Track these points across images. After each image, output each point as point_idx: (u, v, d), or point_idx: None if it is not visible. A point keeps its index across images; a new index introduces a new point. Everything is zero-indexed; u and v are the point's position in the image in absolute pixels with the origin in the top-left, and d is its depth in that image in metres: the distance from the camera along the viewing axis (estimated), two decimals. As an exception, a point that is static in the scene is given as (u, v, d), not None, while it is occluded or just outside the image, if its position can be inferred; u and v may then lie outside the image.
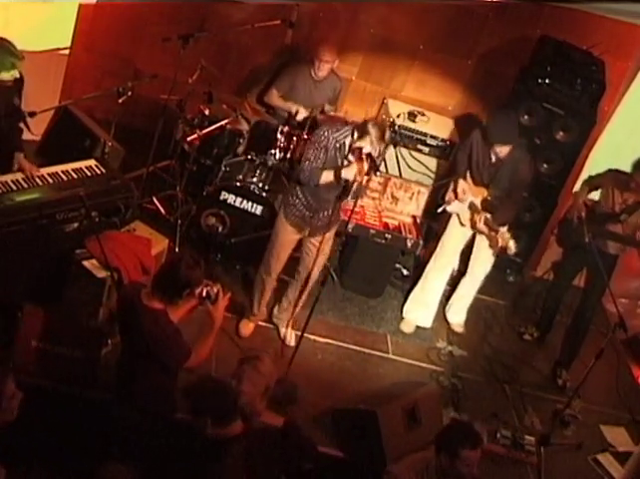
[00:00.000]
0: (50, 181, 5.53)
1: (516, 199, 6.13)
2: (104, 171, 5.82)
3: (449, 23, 7.34)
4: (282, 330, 5.96)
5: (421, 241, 6.59)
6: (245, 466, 3.70)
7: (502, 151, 5.89)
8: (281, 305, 5.94)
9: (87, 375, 5.01)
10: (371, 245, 6.50)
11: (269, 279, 5.73)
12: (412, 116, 7.28)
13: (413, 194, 6.75)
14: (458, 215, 6.25)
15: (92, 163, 5.84)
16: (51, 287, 5.28)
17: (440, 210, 6.35)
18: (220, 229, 6.29)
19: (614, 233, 6.11)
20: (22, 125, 5.61)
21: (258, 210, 6.26)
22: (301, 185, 5.37)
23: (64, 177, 5.61)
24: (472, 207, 6.16)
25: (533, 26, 7.26)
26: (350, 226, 6.09)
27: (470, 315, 6.69)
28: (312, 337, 5.99)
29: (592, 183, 6.29)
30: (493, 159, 6.00)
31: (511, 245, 5.92)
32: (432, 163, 7.27)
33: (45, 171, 5.57)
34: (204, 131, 6.38)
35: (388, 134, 5.27)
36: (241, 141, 6.62)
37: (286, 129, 6.47)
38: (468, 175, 6.18)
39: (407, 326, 6.51)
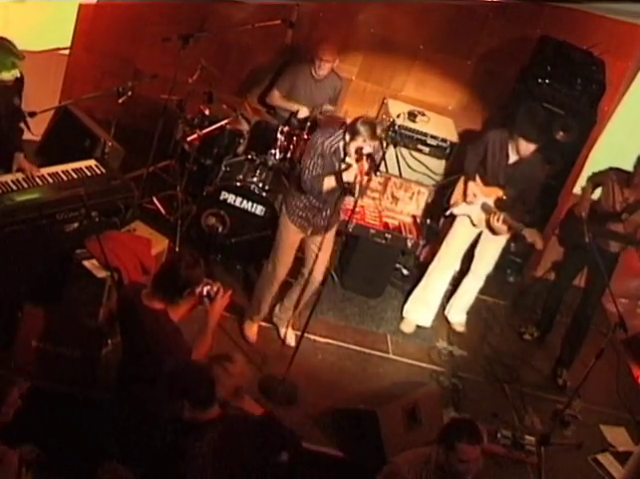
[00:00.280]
0: (50, 181, 5.52)
1: (530, 198, 6.14)
2: (104, 171, 5.82)
3: (449, 23, 7.34)
4: (282, 330, 5.95)
5: (421, 241, 6.60)
6: (221, 451, 3.70)
7: (529, 149, 5.89)
8: (283, 305, 5.93)
9: (87, 375, 5.01)
10: (371, 245, 6.50)
11: (275, 283, 5.72)
12: (412, 116, 7.29)
13: (413, 193, 6.75)
14: (469, 216, 6.24)
15: (92, 163, 5.84)
16: (51, 287, 5.28)
17: (447, 213, 6.36)
18: (221, 229, 6.29)
19: (615, 232, 6.10)
20: (22, 125, 5.60)
21: (258, 209, 6.26)
22: (304, 192, 5.38)
23: (64, 177, 5.61)
24: (485, 207, 6.16)
25: (533, 26, 7.26)
26: (350, 225, 6.08)
27: (470, 315, 6.69)
28: (312, 337, 5.99)
29: (595, 180, 6.29)
30: (512, 159, 6.00)
31: (539, 240, 5.94)
32: (432, 163, 7.28)
33: (45, 171, 5.57)
34: (204, 131, 6.38)
35: (379, 131, 5.22)
36: (241, 141, 6.62)
37: (286, 129, 6.48)
38: (476, 176, 6.19)
39: (407, 326, 6.52)
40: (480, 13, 7.30)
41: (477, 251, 6.42)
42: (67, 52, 6.84)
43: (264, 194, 6.24)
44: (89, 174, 5.75)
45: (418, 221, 6.73)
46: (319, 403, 5.54)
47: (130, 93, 5.99)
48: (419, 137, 7.21)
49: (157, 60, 6.78)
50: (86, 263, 5.23)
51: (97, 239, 4.98)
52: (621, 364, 6.56)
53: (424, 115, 7.37)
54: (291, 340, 5.88)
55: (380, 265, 6.66)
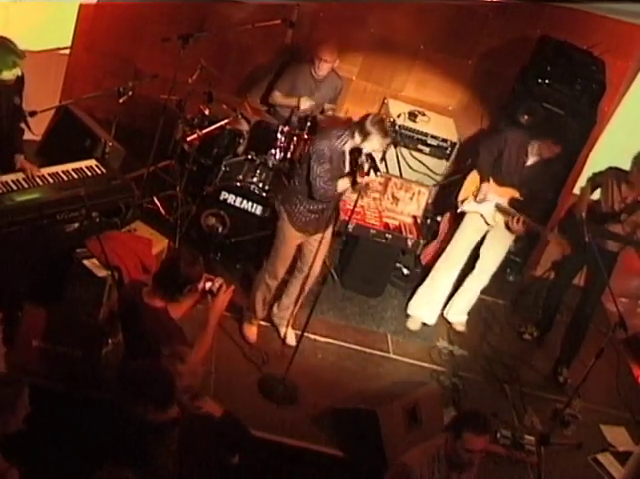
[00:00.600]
0: (50, 180, 5.53)
1: (544, 199, 6.17)
2: (104, 170, 5.82)
3: (449, 23, 7.34)
4: (282, 330, 5.95)
5: (421, 241, 6.60)
6: (182, 451, 3.69)
7: (554, 151, 5.91)
8: (282, 304, 5.92)
9: (87, 375, 5.01)
10: (371, 245, 6.50)
11: (275, 284, 5.72)
12: (412, 115, 7.29)
13: (413, 193, 6.76)
14: (482, 214, 6.25)
15: (92, 162, 5.85)
16: (51, 287, 5.28)
17: (458, 210, 6.37)
18: (221, 228, 6.29)
19: (614, 232, 6.10)
20: (23, 125, 5.60)
21: (259, 209, 6.26)
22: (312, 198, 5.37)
23: (64, 176, 5.61)
24: (500, 207, 6.17)
25: (534, 26, 7.26)
26: (350, 225, 6.09)
27: (470, 315, 6.69)
28: (312, 337, 5.99)
29: (595, 180, 6.29)
30: (532, 160, 6.01)
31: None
32: (432, 162, 7.27)
33: (45, 170, 5.57)
34: (205, 130, 6.38)
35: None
36: (242, 140, 6.62)
37: (286, 128, 6.47)
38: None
39: (412, 324, 6.52)
40: (481, 13, 7.29)
41: (482, 251, 6.42)
42: (67, 52, 6.84)
43: (264, 194, 6.24)
44: (89, 173, 5.75)
45: (418, 220, 6.73)
46: (319, 403, 5.54)
47: (130, 93, 5.99)
48: (419, 137, 7.21)
49: (157, 60, 6.77)
50: (86, 263, 5.23)
51: (97, 239, 4.99)
52: (621, 364, 6.55)
53: (424, 115, 7.37)
54: (291, 340, 5.88)
55: (380, 265, 6.66)
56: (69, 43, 6.81)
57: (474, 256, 6.48)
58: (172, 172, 6.76)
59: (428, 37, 7.39)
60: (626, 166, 6.11)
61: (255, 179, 6.29)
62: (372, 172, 5.12)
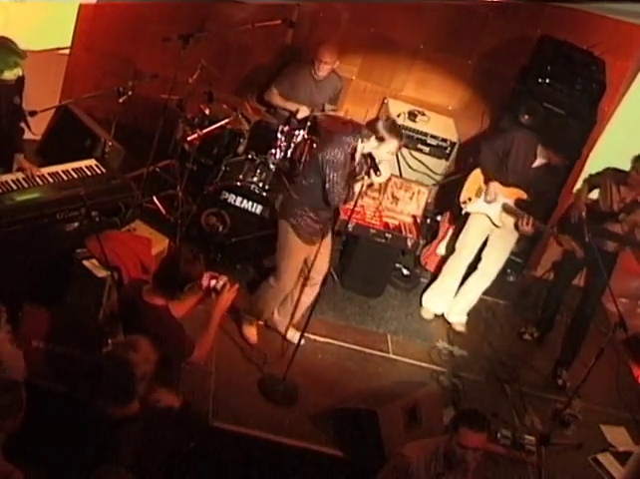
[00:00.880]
0: (50, 180, 5.53)
1: (549, 200, 6.18)
2: (104, 170, 5.83)
3: (449, 23, 7.34)
4: (282, 329, 5.94)
5: (421, 241, 6.61)
6: (142, 446, 3.68)
7: (561, 159, 5.98)
8: (285, 309, 5.88)
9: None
10: (371, 245, 6.50)
11: (282, 295, 5.69)
12: (412, 115, 7.29)
13: (413, 193, 6.76)
14: (488, 215, 6.27)
15: (92, 162, 5.85)
16: (51, 287, 5.28)
17: (463, 211, 6.41)
18: (221, 228, 6.29)
19: (613, 232, 6.10)
20: (23, 125, 5.61)
21: (259, 209, 6.26)
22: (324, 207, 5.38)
23: (64, 176, 5.61)
24: (506, 208, 6.19)
25: (534, 26, 7.26)
26: (350, 225, 6.09)
27: (470, 315, 6.70)
28: (312, 337, 5.99)
29: (592, 181, 6.30)
30: (538, 162, 6.03)
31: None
32: (432, 162, 7.27)
33: (45, 170, 5.57)
34: (205, 130, 6.38)
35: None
36: (242, 140, 6.62)
37: (286, 128, 6.47)
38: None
39: (426, 313, 6.67)
40: (481, 13, 7.30)
41: (485, 253, 6.44)
42: (67, 52, 6.85)
43: (264, 193, 6.24)
44: (89, 173, 5.75)
45: (418, 220, 6.74)
46: (319, 403, 5.53)
47: (130, 92, 5.99)
48: (419, 136, 7.20)
49: (157, 60, 6.78)
50: (86, 263, 5.23)
51: (97, 239, 4.98)
52: (621, 364, 6.56)
53: (424, 114, 7.37)
54: (292, 336, 5.84)
55: (380, 265, 6.66)
56: (69, 43, 6.82)
57: (476, 257, 6.50)
58: (173, 172, 6.76)
59: (428, 37, 7.39)
60: (626, 166, 6.11)
61: (255, 179, 6.29)
62: (372, 172, 5.14)
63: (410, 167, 7.21)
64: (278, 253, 5.58)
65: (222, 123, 6.45)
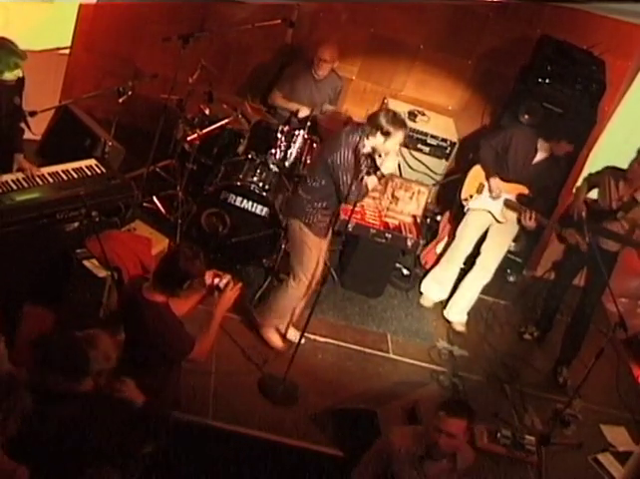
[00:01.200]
0: (50, 180, 5.53)
1: (550, 195, 6.19)
2: (104, 170, 5.83)
3: (449, 23, 7.35)
4: (282, 328, 5.93)
5: (421, 241, 6.61)
6: (83, 425, 3.61)
7: (564, 148, 5.96)
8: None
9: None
10: (371, 245, 6.50)
11: (304, 293, 5.67)
12: (412, 115, 7.29)
13: (413, 193, 6.76)
14: (490, 212, 6.29)
15: (92, 162, 5.85)
16: (51, 287, 5.28)
17: (465, 209, 6.43)
18: (221, 228, 6.29)
19: (612, 231, 6.10)
20: (23, 125, 5.61)
21: (259, 209, 6.26)
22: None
23: (64, 176, 5.61)
24: (508, 204, 6.19)
25: (534, 26, 7.27)
26: (350, 225, 6.09)
27: (470, 315, 6.70)
28: (312, 337, 5.99)
29: (591, 180, 6.30)
30: (539, 157, 6.04)
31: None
32: (432, 162, 7.28)
33: (45, 170, 5.57)
34: (205, 130, 6.38)
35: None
36: (242, 140, 6.62)
37: (286, 128, 6.47)
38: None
39: (426, 301, 6.72)
40: (481, 13, 7.30)
41: (484, 247, 6.46)
42: (67, 52, 6.85)
43: (264, 193, 6.24)
44: (89, 173, 5.75)
45: (418, 220, 6.74)
46: (319, 403, 5.53)
47: (130, 92, 6.00)
48: (419, 136, 7.21)
49: (157, 60, 6.78)
50: (86, 263, 5.23)
51: (97, 239, 4.98)
52: (621, 364, 6.56)
53: (424, 114, 7.38)
54: (292, 336, 5.84)
55: (380, 265, 6.66)
56: (69, 43, 6.82)
57: (474, 253, 6.50)
58: (173, 171, 6.77)
59: (428, 37, 7.40)
60: (626, 166, 6.10)
61: (255, 179, 6.29)
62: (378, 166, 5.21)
63: (410, 167, 7.21)
64: (294, 254, 5.58)
65: (222, 123, 6.45)
